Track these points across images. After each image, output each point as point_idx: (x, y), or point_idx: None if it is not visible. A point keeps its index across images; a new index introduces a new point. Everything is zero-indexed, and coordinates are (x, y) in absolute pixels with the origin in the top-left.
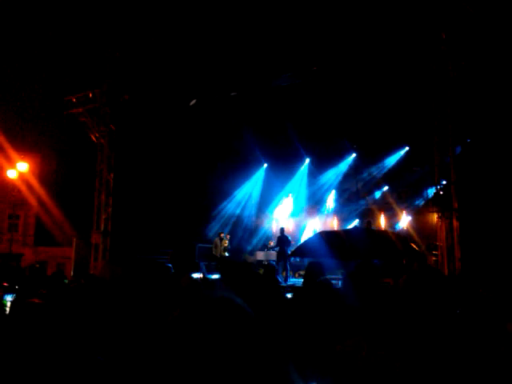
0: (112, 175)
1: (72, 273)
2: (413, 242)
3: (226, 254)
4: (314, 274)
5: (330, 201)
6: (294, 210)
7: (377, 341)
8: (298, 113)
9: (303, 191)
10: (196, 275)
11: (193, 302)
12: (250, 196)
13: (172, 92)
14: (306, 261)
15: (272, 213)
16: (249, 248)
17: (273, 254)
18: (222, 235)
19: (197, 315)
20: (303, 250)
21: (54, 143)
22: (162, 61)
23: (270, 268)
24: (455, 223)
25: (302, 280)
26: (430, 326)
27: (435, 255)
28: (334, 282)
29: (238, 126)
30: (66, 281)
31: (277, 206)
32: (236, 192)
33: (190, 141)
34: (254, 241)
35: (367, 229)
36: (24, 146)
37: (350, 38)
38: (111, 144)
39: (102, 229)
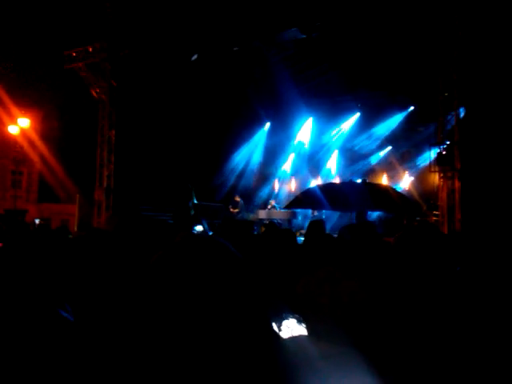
0: (113, 132)
1: (76, 229)
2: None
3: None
4: (315, 231)
5: (333, 160)
6: (296, 170)
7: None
8: (302, 70)
9: (306, 150)
10: (198, 227)
11: (176, 243)
12: (253, 155)
13: (173, 46)
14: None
15: (275, 172)
16: (251, 207)
17: (275, 213)
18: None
19: (179, 254)
20: (301, 200)
21: (56, 99)
22: (163, 13)
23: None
24: (457, 184)
25: (303, 238)
26: (422, 281)
27: (436, 215)
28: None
29: (240, 83)
30: (71, 236)
31: (279, 165)
32: (239, 151)
33: (191, 96)
34: (257, 200)
35: (366, 182)
36: (25, 102)
37: None
38: (112, 100)
39: (105, 186)
